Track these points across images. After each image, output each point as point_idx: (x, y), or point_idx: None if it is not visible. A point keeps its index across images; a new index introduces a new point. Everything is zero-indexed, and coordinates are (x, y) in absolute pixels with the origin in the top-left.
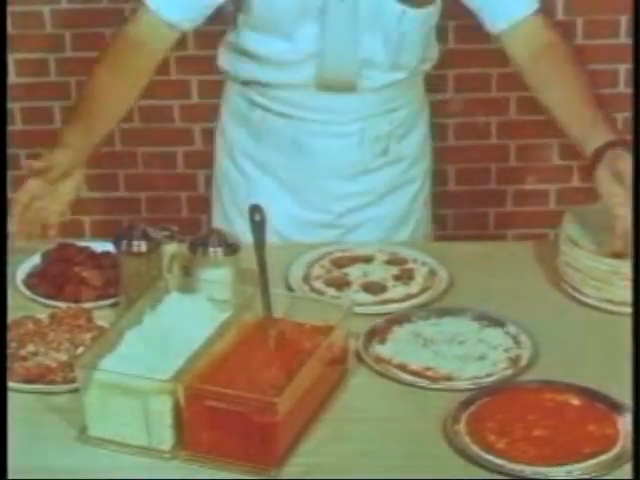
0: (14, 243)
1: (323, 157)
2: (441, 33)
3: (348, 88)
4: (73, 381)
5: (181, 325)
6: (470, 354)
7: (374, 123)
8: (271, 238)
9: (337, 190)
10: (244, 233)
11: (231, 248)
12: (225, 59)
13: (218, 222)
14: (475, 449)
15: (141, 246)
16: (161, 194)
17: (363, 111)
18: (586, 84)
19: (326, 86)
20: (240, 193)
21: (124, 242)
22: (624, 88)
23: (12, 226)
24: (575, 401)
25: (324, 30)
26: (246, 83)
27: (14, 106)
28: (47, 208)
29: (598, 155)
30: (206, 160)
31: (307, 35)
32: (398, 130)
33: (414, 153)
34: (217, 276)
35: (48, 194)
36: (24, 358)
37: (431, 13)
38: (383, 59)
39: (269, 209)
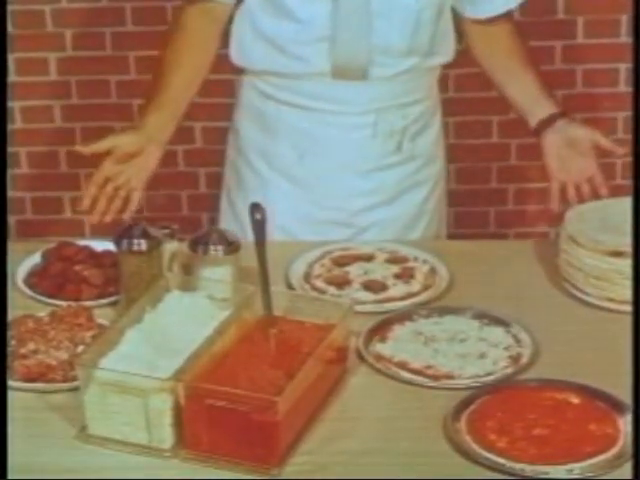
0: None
1: (336, 151)
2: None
3: (360, 76)
4: (73, 379)
5: (181, 324)
6: (471, 352)
7: (388, 117)
8: (278, 236)
9: (350, 186)
10: None
11: (231, 246)
12: (239, 51)
13: (227, 221)
14: (475, 448)
15: (141, 245)
16: (161, 192)
17: (376, 102)
18: (533, 63)
19: (339, 74)
20: (252, 191)
21: (124, 241)
22: (624, 87)
23: (84, 205)
24: (575, 400)
25: (336, 13)
26: (260, 74)
27: (14, 105)
28: (124, 186)
29: (549, 122)
30: (207, 158)
31: (317, 17)
32: (412, 127)
33: (427, 153)
34: (217, 274)
35: (123, 172)
36: (24, 356)
37: None
38: (397, 43)
39: (282, 207)
